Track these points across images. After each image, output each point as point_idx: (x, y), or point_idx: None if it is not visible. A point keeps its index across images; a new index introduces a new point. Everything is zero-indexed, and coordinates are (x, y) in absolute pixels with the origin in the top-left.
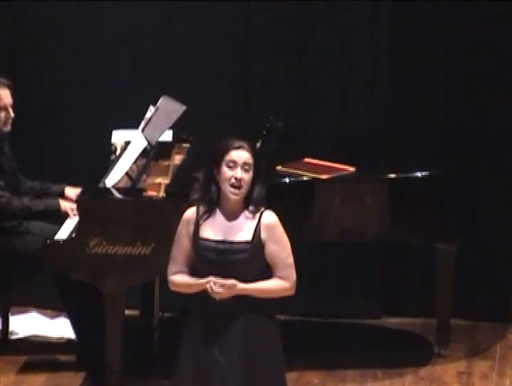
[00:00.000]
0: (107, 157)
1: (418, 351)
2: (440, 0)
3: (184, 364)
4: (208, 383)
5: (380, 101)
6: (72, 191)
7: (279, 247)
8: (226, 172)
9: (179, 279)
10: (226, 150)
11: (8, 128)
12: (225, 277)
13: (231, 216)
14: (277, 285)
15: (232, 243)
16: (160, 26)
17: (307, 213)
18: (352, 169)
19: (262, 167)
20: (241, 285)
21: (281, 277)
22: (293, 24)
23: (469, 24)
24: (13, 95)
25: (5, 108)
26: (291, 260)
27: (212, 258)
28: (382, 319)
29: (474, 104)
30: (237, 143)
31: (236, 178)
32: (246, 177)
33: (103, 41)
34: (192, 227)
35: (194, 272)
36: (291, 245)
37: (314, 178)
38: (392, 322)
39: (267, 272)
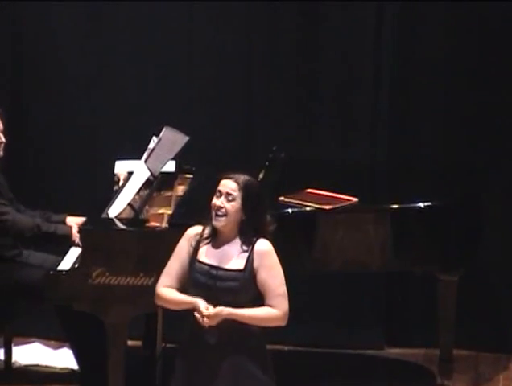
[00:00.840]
0: (110, 187)
1: (421, 381)
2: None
3: None
4: None
5: (381, 133)
6: (74, 221)
7: (271, 275)
8: (213, 200)
9: (169, 293)
10: (219, 180)
11: (0, 154)
12: (214, 302)
13: (227, 245)
14: (266, 313)
15: (224, 270)
16: (162, 56)
17: (309, 243)
18: (355, 199)
19: (255, 201)
20: (228, 310)
21: (271, 306)
22: (296, 56)
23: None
24: (3, 121)
25: None
26: (283, 289)
27: (203, 282)
28: (385, 350)
29: (475, 137)
30: (229, 174)
31: (216, 206)
32: (229, 207)
33: (107, 71)
34: (193, 245)
35: (184, 292)
36: (294, 275)
37: (317, 209)
38: (395, 352)
39: (259, 300)
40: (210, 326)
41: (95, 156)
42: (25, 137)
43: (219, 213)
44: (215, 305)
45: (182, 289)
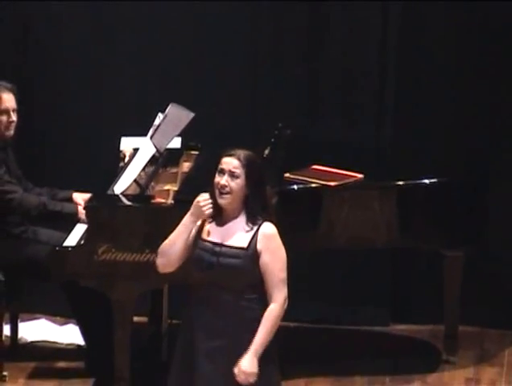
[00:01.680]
0: (116, 164)
1: (426, 357)
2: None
3: (174, 371)
4: None
5: (388, 108)
6: (80, 197)
7: (274, 259)
8: (216, 178)
9: (164, 242)
10: (220, 158)
11: (11, 133)
12: (215, 283)
13: (230, 224)
14: (272, 319)
15: (227, 246)
16: (169, 33)
17: (315, 220)
18: (360, 176)
19: (258, 175)
20: (250, 355)
21: (270, 295)
22: (302, 34)
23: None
24: (17, 100)
25: (6, 112)
26: (283, 275)
27: (206, 259)
28: (391, 326)
29: (483, 112)
30: (230, 151)
31: (220, 185)
32: (233, 184)
33: (112, 46)
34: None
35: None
36: (300, 252)
37: (322, 185)
38: (400, 329)
39: (258, 288)
40: (214, 312)
41: (100, 132)
42: (29, 113)
43: (223, 191)
44: (216, 294)
45: (181, 263)
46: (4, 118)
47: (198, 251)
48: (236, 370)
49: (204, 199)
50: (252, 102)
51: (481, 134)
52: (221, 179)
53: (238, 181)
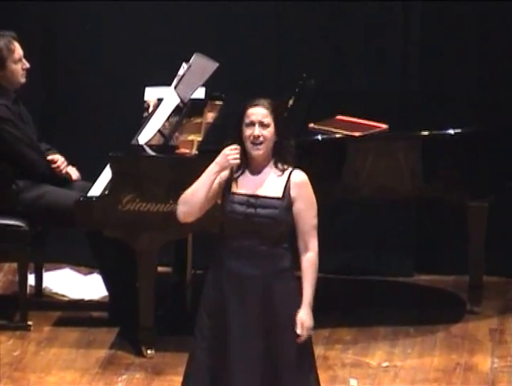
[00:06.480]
0: (140, 114)
1: (450, 308)
2: None
3: (203, 321)
4: (226, 340)
5: (414, 58)
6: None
7: (307, 205)
8: (246, 131)
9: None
10: (244, 110)
11: (24, 80)
12: (251, 234)
13: (260, 174)
14: (312, 266)
15: (263, 197)
16: None
17: (339, 170)
18: (384, 126)
19: (285, 123)
20: (305, 307)
21: (305, 242)
22: None
23: None
24: (23, 46)
25: (20, 60)
26: (315, 221)
27: (242, 211)
28: (415, 276)
29: (507, 63)
30: (254, 101)
31: (254, 136)
32: (266, 133)
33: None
34: (224, 176)
35: (220, 231)
36: (324, 203)
37: (346, 136)
38: (425, 279)
39: (289, 236)
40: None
41: (125, 83)
42: (55, 63)
43: (257, 142)
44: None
45: (202, 213)
46: (19, 66)
47: (231, 205)
48: (299, 327)
49: (231, 148)
50: (276, 52)
51: (506, 85)
52: (253, 131)
53: (270, 129)
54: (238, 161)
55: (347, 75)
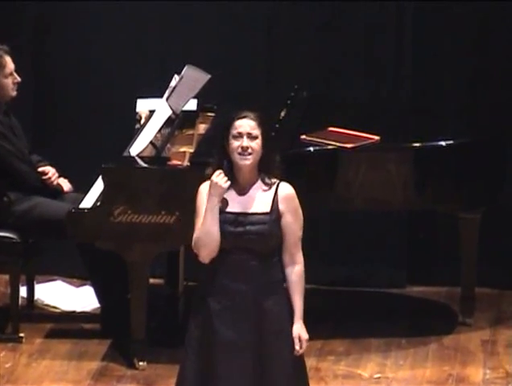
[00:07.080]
0: (132, 126)
1: (442, 319)
2: None
3: (192, 335)
4: (213, 354)
5: (405, 69)
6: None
7: (295, 218)
8: (233, 143)
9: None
10: (231, 122)
11: (15, 93)
12: (242, 249)
13: (247, 189)
14: (301, 283)
15: (251, 214)
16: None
17: (331, 182)
18: (376, 138)
19: (273, 136)
20: (298, 322)
21: (291, 255)
22: None
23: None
24: (15, 60)
25: (11, 74)
26: (301, 233)
27: (232, 230)
28: (407, 288)
29: (500, 74)
30: (241, 113)
31: (242, 147)
32: (254, 145)
33: (130, 10)
34: None
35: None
36: (316, 214)
37: (338, 147)
38: (417, 290)
39: (278, 249)
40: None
41: (117, 94)
42: (46, 76)
43: (246, 153)
44: (241, 253)
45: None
46: (10, 80)
47: (222, 225)
48: (297, 343)
49: (215, 175)
50: (268, 64)
51: (494, 97)
52: (242, 142)
53: (257, 141)
54: (229, 181)
55: (338, 82)
